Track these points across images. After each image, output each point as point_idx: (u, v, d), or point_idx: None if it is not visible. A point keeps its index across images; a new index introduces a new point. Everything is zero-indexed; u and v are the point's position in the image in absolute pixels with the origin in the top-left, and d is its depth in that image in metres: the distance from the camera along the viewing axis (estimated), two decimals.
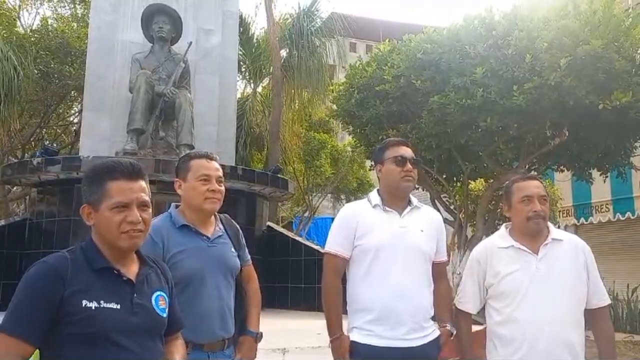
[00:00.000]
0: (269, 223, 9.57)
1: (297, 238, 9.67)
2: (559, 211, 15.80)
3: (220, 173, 2.53)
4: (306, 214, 19.02)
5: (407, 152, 2.74)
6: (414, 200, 2.78)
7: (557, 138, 7.15)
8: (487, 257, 2.63)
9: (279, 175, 9.35)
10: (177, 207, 2.54)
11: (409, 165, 2.69)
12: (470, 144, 7.63)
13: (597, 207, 14.38)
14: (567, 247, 2.56)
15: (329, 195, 19.70)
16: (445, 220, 9.40)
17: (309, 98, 14.55)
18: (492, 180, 8.84)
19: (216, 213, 2.58)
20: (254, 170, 9.56)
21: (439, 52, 7.22)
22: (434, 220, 2.81)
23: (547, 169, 9.26)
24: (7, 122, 10.21)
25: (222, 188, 2.52)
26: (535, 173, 9.44)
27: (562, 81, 6.12)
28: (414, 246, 2.63)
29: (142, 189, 1.78)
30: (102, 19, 9.87)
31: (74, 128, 15.95)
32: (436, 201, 9.70)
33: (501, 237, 2.66)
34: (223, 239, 2.55)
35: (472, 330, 2.75)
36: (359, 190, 17.97)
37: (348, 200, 17.94)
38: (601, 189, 11.67)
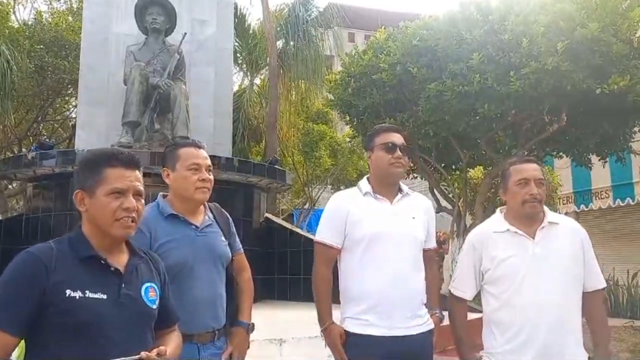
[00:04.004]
0: (267, 214, 9.55)
1: (296, 229, 9.67)
2: (559, 198, 15.80)
3: (209, 162, 2.49)
4: (306, 206, 19.01)
5: (397, 138, 2.68)
6: (405, 187, 2.74)
7: (556, 124, 7.10)
8: (483, 242, 2.58)
9: (276, 167, 9.31)
10: (164, 196, 2.50)
11: (398, 152, 2.63)
12: (468, 131, 7.60)
13: (597, 194, 14.37)
14: (563, 230, 2.52)
15: (329, 186, 19.69)
16: (444, 209, 9.47)
17: (306, 89, 14.49)
18: (490, 168, 8.80)
19: (205, 202, 2.53)
20: (250, 162, 9.52)
21: (435, 38, 7.17)
22: (425, 207, 2.77)
23: (546, 156, 9.23)
24: (2, 117, 10.16)
25: (212, 177, 2.47)
26: (535, 160, 9.41)
27: (559, 65, 6.06)
28: (406, 233, 2.60)
29: (138, 178, 1.80)
30: (95, 12, 9.80)
31: (72, 122, 15.90)
32: (435, 190, 9.67)
33: (497, 221, 2.61)
34: (212, 227, 2.50)
35: (468, 318, 2.71)
36: (359, 181, 17.94)
37: None
38: (601, 175, 11.65)
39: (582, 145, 7.86)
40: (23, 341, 1.65)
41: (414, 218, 2.65)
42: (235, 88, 18.40)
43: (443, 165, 9.56)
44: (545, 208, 2.57)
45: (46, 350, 1.61)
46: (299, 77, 13.85)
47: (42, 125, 15.57)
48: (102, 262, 1.71)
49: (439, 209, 9.35)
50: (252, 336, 3.84)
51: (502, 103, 6.77)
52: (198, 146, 2.50)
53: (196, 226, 2.43)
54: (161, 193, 2.52)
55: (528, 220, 2.51)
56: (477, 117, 7.15)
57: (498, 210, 2.72)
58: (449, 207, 9.36)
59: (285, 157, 17.02)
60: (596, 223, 15.27)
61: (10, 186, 13.93)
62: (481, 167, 10.01)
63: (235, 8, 15.23)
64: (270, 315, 6.54)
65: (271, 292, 8.83)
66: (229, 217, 2.66)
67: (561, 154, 8.71)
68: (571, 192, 15.56)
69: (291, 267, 8.66)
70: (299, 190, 18.94)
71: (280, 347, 4.36)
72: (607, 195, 14.13)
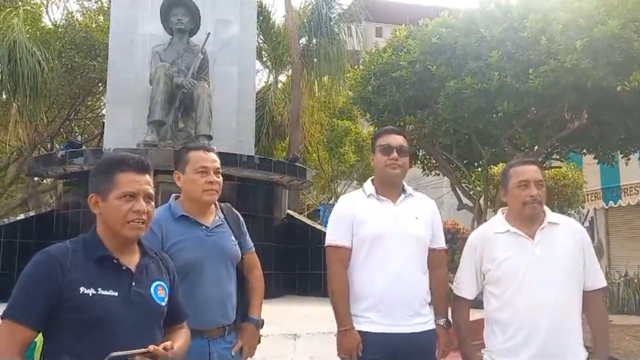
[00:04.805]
0: (288, 211, 9.66)
1: (317, 226, 9.74)
2: (586, 194, 15.55)
3: (218, 164, 2.58)
4: (332, 201, 19.06)
5: (395, 140, 2.74)
6: (408, 188, 2.81)
7: (577, 121, 7.03)
8: (484, 243, 2.64)
9: (296, 164, 9.41)
10: (177, 198, 2.61)
11: (394, 154, 2.70)
12: (489, 128, 7.58)
13: (626, 190, 14.12)
14: (563, 231, 2.56)
15: (355, 182, 19.70)
16: (465, 206, 9.44)
17: (330, 85, 14.53)
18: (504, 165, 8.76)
19: (217, 202, 2.62)
20: (271, 160, 9.63)
21: (455, 36, 7.16)
22: (428, 207, 2.83)
23: (570, 152, 9.13)
24: (34, 116, 10.50)
25: (220, 179, 2.56)
26: (558, 157, 9.32)
27: (578, 63, 6.01)
28: (408, 233, 2.67)
29: (148, 182, 1.90)
30: (122, 13, 10.00)
31: (103, 120, 16.28)
32: (457, 187, 9.65)
33: (498, 222, 2.66)
34: (222, 227, 2.59)
35: (472, 319, 2.75)
36: None
37: None
38: (630, 171, 11.42)
39: (605, 142, 7.76)
40: (41, 335, 1.76)
41: (416, 218, 2.72)
42: (262, 85, 18.58)
43: (465, 162, 9.54)
44: (546, 208, 2.60)
45: (62, 344, 1.71)
46: (322, 74, 13.89)
47: (74, 122, 15.93)
48: (114, 261, 1.82)
49: (460, 206, 9.34)
50: (267, 331, 3.96)
51: (521, 101, 6.74)
52: (207, 149, 2.60)
53: (206, 227, 2.52)
54: (174, 194, 2.62)
55: (528, 221, 2.55)
56: (497, 115, 7.14)
57: (499, 211, 2.77)
58: (470, 204, 9.33)
59: (309, 153, 17.09)
60: (625, 220, 15.01)
61: (46, 181, 14.30)
62: (503, 164, 9.94)
63: (260, 6, 15.36)
64: (289, 310, 6.64)
65: (292, 287, 8.95)
66: (240, 216, 2.75)
67: (584, 151, 8.59)
68: (599, 188, 15.29)
69: (312, 263, 8.76)
70: (324, 186, 18.99)
71: (295, 341, 4.45)
72: (636, 192, 13.87)
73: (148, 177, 1.91)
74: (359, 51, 14.67)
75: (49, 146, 14.27)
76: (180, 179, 2.56)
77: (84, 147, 9.38)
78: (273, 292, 8.41)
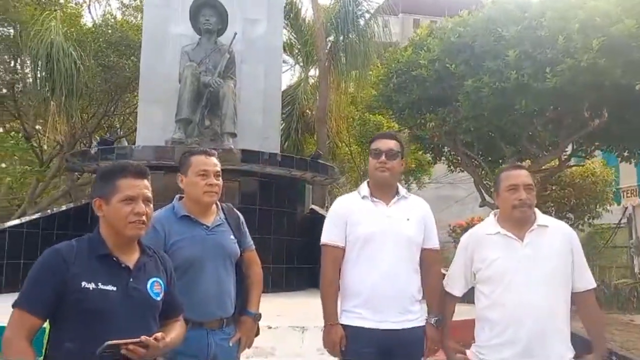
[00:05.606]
0: (312, 206, 9.84)
1: None
2: (623, 192, 15.20)
3: (218, 168, 2.74)
4: None
5: (384, 145, 2.84)
6: (402, 190, 2.91)
7: (597, 119, 6.97)
8: (475, 244, 2.73)
9: (319, 161, 9.57)
10: (180, 199, 2.79)
11: (382, 158, 2.80)
12: (509, 126, 7.58)
13: None
14: (552, 233, 2.63)
15: None
16: (487, 203, 9.43)
17: (357, 81, 14.58)
18: (530, 163, 8.72)
19: (218, 203, 2.79)
20: (293, 157, 9.83)
21: (473, 35, 7.19)
22: (421, 209, 2.92)
23: (595, 150, 9.02)
24: (70, 113, 10.94)
25: (220, 182, 2.73)
26: (584, 155, 9.21)
27: (595, 62, 5.98)
28: (399, 234, 2.77)
29: (147, 186, 2.07)
30: (154, 13, 10.33)
31: None
32: (480, 185, 9.65)
33: (489, 224, 2.75)
34: (222, 227, 2.75)
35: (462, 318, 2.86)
36: (418, 170, 17.75)
37: (407, 181, 17.92)
38: None
39: (627, 140, 7.66)
40: (48, 326, 1.96)
41: (408, 219, 2.81)
42: (294, 80, 18.74)
43: (489, 159, 9.52)
44: (537, 211, 2.68)
45: (65, 332, 1.91)
46: (350, 70, 13.95)
47: (114, 118, 16.40)
48: (114, 259, 2.01)
49: (483, 203, 9.33)
50: (276, 323, 4.16)
51: (539, 99, 6.73)
52: (208, 154, 2.76)
53: (207, 226, 2.68)
54: (178, 195, 2.80)
55: (518, 224, 2.62)
56: (516, 113, 7.14)
57: (492, 213, 2.85)
58: (492, 201, 9.31)
59: (340, 148, 17.16)
60: None
61: (85, 174, 14.80)
62: (528, 162, 9.88)
63: (291, 3, 15.52)
64: (302, 304, 6.76)
65: (315, 281, 9.10)
66: (241, 216, 2.90)
67: (608, 149, 8.48)
68: (636, 185, 14.95)
69: None
70: (357, 180, 19.07)
71: (302, 334, 4.61)
72: None
73: (146, 182, 2.09)
74: (397, 43, 14.66)
75: (88, 141, 14.76)
76: (183, 181, 2.73)
77: (115, 145, 9.76)
78: (295, 285, 8.65)
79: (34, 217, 9.11)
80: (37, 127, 14.81)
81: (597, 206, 10.70)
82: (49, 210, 9.78)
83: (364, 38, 13.19)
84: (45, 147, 14.59)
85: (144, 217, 2.03)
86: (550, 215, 10.30)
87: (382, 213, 2.81)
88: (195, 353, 2.53)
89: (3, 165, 12.97)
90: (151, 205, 2.09)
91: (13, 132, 15.48)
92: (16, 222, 8.80)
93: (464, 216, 16.33)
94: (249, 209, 8.38)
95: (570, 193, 10.24)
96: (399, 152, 2.87)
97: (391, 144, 2.86)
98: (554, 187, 10.17)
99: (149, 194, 2.07)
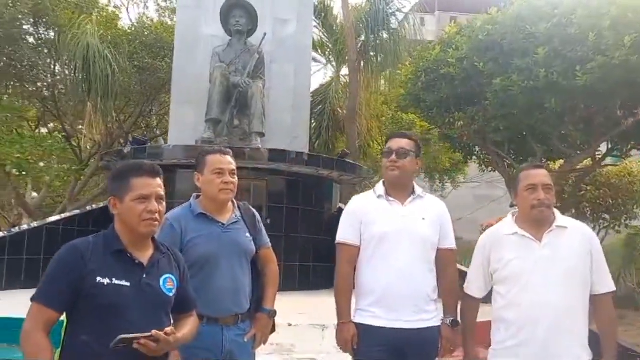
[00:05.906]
0: (340, 205, 9.85)
1: None
2: None
3: (233, 166, 2.79)
4: None
5: (395, 144, 2.84)
6: (418, 189, 2.90)
7: (630, 118, 6.78)
8: (492, 244, 2.71)
9: (346, 160, 9.58)
10: (197, 197, 2.85)
11: (393, 157, 2.81)
12: (539, 125, 7.45)
13: None
14: (571, 234, 2.59)
15: (422, 174, 19.45)
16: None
17: (388, 80, 14.52)
18: (562, 162, 8.54)
19: (234, 201, 2.85)
20: (319, 156, 9.85)
21: (502, 32, 7.09)
22: (437, 208, 2.91)
23: (631, 149, 8.77)
24: (106, 114, 11.26)
25: (235, 180, 2.78)
26: (619, 154, 8.97)
27: (627, 59, 5.83)
28: (415, 233, 2.77)
29: (160, 185, 2.12)
30: (186, 15, 10.49)
31: None
32: (511, 186, 9.49)
33: (507, 224, 2.72)
34: (238, 224, 2.80)
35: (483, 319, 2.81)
36: (453, 169, 17.56)
37: (441, 180, 17.73)
38: None
39: None
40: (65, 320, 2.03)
41: (423, 219, 2.81)
42: (326, 80, 18.75)
43: (520, 159, 9.36)
44: (556, 212, 2.64)
45: (81, 325, 1.98)
46: (381, 70, 13.91)
47: (149, 118, 16.76)
48: (128, 255, 2.07)
49: (512, 203, 9.18)
50: (297, 321, 4.20)
51: (569, 98, 6.60)
52: (223, 152, 2.81)
53: (222, 223, 2.74)
54: (195, 194, 2.86)
55: (536, 224, 2.60)
56: (546, 112, 7.00)
57: (510, 213, 2.82)
58: None
59: (372, 147, 17.10)
60: None
61: None
62: (561, 161, 9.67)
63: (323, 3, 15.56)
64: (323, 302, 6.80)
65: None
66: (257, 214, 2.94)
67: None
68: None
69: None
70: None
71: (323, 332, 4.65)
72: None
73: (159, 181, 2.14)
74: (432, 41, 14.56)
75: (125, 140, 15.11)
76: (200, 179, 2.79)
77: (148, 144, 9.98)
78: (321, 283, 8.68)
79: (70, 214, 9.40)
80: (77, 127, 15.26)
81: (635, 207, 10.39)
82: (87, 207, 10.08)
83: (394, 37, 13.11)
84: (86, 146, 14.99)
85: (156, 215, 2.08)
86: (586, 215, 10.14)
87: (397, 212, 2.81)
88: (210, 348, 2.59)
89: (42, 164, 13.39)
90: (164, 203, 2.14)
91: (56, 132, 15.96)
92: (54, 218, 9.10)
93: (499, 216, 16.05)
94: (277, 207, 8.47)
95: (606, 193, 9.98)
96: (410, 151, 2.84)
97: (403, 142, 2.85)
98: (588, 187, 9.93)
99: (162, 193, 2.13)
